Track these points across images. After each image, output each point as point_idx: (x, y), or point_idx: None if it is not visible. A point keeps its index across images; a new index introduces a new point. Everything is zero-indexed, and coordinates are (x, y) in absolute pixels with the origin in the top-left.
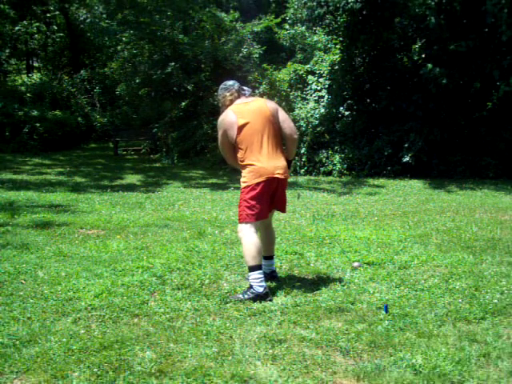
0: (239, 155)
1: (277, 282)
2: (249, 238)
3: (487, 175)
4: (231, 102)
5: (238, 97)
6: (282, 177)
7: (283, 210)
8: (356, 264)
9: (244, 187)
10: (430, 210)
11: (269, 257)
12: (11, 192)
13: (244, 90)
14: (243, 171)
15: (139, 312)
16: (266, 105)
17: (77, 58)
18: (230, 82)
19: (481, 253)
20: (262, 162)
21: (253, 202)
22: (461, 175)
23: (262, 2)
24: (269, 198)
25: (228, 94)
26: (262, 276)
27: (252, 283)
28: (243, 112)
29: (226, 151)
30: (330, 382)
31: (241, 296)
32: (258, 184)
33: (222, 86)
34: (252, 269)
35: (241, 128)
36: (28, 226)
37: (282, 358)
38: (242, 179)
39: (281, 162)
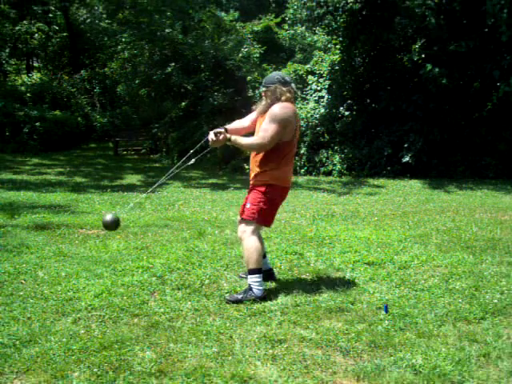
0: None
1: (277, 282)
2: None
3: (487, 175)
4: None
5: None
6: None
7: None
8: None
9: None
10: (430, 210)
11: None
12: (11, 192)
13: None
14: None
15: (139, 312)
16: None
17: (77, 58)
18: (288, 79)
19: (481, 253)
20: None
21: None
22: (461, 175)
23: (262, 2)
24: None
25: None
26: (261, 279)
27: (252, 286)
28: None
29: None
30: (329, 382)
31: (239, 296)
32: None
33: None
34: (253, 272)
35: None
36: (28, 226)
37: (282, 357)
38: None
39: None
